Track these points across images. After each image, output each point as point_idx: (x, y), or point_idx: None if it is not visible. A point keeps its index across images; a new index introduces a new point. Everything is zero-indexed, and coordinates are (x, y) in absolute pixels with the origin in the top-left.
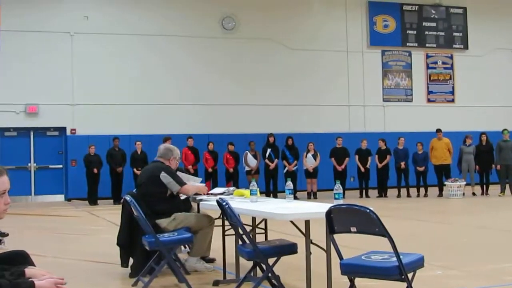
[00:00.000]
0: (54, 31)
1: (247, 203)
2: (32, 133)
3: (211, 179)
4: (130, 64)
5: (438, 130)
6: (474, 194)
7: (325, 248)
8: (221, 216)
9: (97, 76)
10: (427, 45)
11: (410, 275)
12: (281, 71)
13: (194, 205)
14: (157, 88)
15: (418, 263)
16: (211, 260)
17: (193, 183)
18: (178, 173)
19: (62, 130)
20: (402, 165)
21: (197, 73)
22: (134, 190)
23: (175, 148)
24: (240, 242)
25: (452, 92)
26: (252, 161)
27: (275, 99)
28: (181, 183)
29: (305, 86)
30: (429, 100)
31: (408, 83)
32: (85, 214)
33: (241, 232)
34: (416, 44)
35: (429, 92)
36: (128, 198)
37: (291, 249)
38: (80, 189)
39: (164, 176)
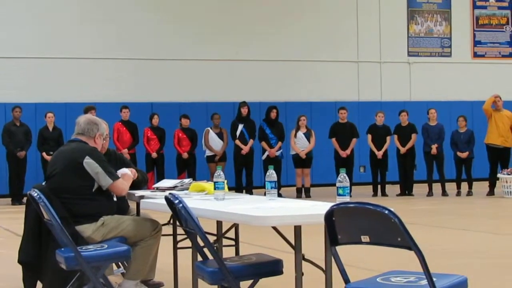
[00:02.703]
0: None
1: (210, 201)
2: None
3: (155, 168)
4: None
5: (497, 98)
6: None
7: (323, 266)
8: (171, 221)
9: None
10: None
11: None
12: (259, 12)
13: (133, 204)
14: (76, 36)
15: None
16: (157, 285)
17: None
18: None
19: None
20: (433, 149)
21: (132, 14)
22: (43, 183)
23: (102, 122)
24: (199, 259)
25: (510, 44)
26: (216, 143)
27: (250, 52)
28: (113, 175)
29: (294, 34)
30: (476, 55)
31: (445, 29)
32: None
33: (201, 243)
34: None
35: (476, 43)
36: (35, 194)
37: (273, 268)
38: None
39: (89, 163)
